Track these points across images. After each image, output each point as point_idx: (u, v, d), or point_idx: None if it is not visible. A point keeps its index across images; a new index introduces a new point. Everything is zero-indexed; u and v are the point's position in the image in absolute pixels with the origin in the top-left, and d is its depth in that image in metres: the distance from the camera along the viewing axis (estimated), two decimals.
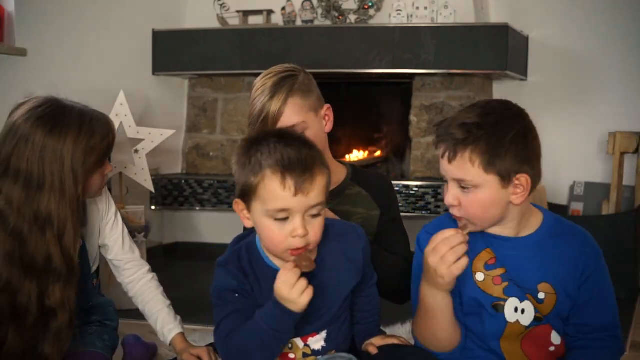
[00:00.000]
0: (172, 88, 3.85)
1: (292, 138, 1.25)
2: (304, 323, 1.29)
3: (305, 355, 1.33)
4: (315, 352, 1.33)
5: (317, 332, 1.33)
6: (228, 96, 3.86)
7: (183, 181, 3.65)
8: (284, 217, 1.20)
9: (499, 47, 3.18)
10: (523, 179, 1.26)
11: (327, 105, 1.68)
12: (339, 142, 4.02)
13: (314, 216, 1.22)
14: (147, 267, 1.74)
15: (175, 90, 3.88)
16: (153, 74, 3.66)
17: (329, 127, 1.66)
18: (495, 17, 3.58)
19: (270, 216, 1.21)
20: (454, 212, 1.31)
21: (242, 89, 3.83)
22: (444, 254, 1.19)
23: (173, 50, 3.62)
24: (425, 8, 3.41)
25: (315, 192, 1.20)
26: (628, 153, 3.20)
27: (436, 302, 1.27)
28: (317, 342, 1.33)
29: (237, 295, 1.28)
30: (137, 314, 1.83)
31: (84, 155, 1.46)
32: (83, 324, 1.64)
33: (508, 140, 1.24)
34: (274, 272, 1.24)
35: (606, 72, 3.46)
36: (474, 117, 1.27)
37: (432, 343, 1.35)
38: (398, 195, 3.35)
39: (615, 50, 3.43)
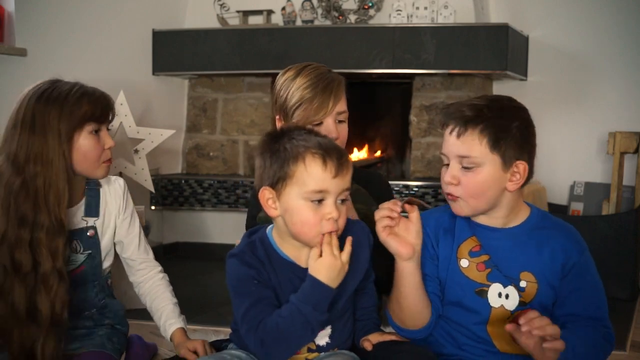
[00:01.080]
0: (172, 88, 3.85)
1: (316, 132, 1.32)
2: None
3: (310, 350, 1.34)
4: (319, 348, 1.34)
5: (323, 327, 1.34)
6: (228, 96, 3.86)
7: (183, 181, 3.65)
8: (320, 199, 1.25)
9: (499, 47, 3.19)
10: (521, 167, 1.32)
11: None
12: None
13: (343, 201, 1.28)
14: (160, 267, 1.76)
15: (175, 90, 3.88)
16: (153, 74, 3.66)
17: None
18: (495, 17, 3.59)
19: (307, 198, 1.25)
20: (450, 190, 1.34)
21: (242, 89, 3.83)
22: (379, 218, 1.32)
23: (173, 50, 3.62)
24: (425, 8, 3.42)
25: (349, 176, 1.28)
26: (628, 153, 3.20)
27: (399, 268, 1.34)
28: (322, 337, 1.34)
29: (257, 282, 1.28)
30: (137, 314, 1.83)
31: (69, 112, 1.52)
32: (95, 325, 1.65)
33: (514, 126, 1.31)
34: (288, 263, 1.29)
35: (606, 72, 3.46)
36: (484, 101, 1.34)
37: (399, 315, 1.39)
38: (398, 196, 3.36)
39: (615, 50, 3.43)
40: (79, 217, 1.60)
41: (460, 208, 1.35)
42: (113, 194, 1.67)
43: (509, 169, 1.31)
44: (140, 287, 1.73)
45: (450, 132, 1.33)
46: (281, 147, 1.27)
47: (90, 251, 1.60)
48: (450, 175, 1.33)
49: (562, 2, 3.53)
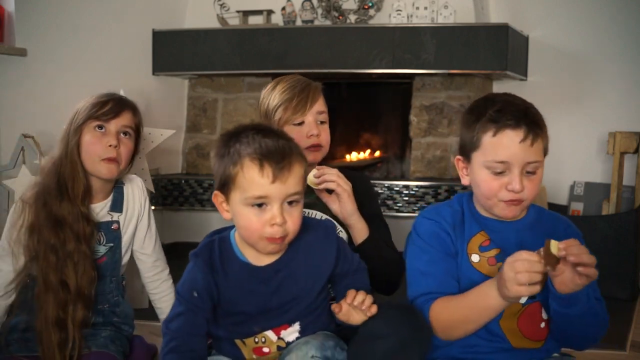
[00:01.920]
0: (172, 88, 3.85)
1: (269, 130, 1.30)
2: (275, 314, 1.32)
3: (280, 348, 1.34)
4: (290, 345, 1.33)
5: (290, 324, 1.34)
6: (228, 96, 3.86)
7: (183, 181, 3.65)
8: (261, 204, 1.23)
9: (499, 47, 3.19)
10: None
11: None
12: (339, 142, 4.02)
13: (292, 205, 1.26)
14: (168, 269, 1.88)
15: (175, 90, 3.88)
16: (153, 74, 3.66)
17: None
18: (495, 17, 3.59)
19: (248, 204, 1.24)
20: (519, 196, 1.32)
21: (242, 89, 3.84)
22: (520, 272, 1.18)
23: (173, 50, 3.63)
24: (425, 8, 3.42)
25: (293, 180, 1.24)
26: (628, 153, 3.21)
27: (493, 303, 1.26)
28: (290, 334, 1.34)
29: (196, 295, 1.30)
30: (137, 314, 1.84)
31: (84, 110, 1.68)
32: (103, 323, 1.70)
33: (545, 129, 1.34)
34: (243, 264, 1.31)
35: (606, 72, 3.46)
36: (520, 100, 1.36)
37: (455, 334, 1.34)
38: (398, 196, 3.36)
39: (615, 50, 3.43)
40: (105, 212, 1.72)
41: (517, 211, 1.36)
42: (136, 191, 1.80)
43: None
44: (150, 283, 1.84)
45: (522, 140, 1.29)
46: (228, 150, 1.26)
47: (112, 244, 1.72)
48: (519, 183, 1.30)
49: (562, 2, 3.53)
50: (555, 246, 1.18)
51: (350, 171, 1.77)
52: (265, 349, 1.34)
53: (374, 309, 1.29)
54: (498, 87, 3.64)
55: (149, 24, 3.63)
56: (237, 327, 1.35)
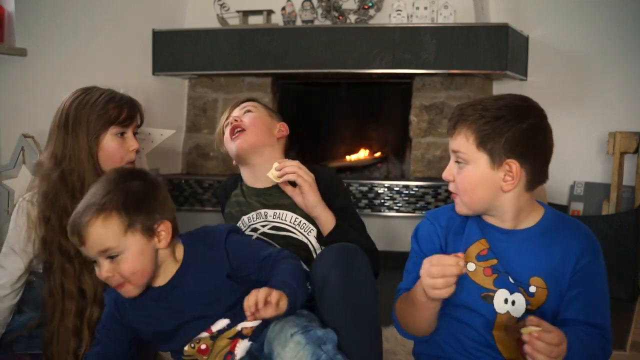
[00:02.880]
0: (172, 88, 3.85)
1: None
2: (194, 325, 1.43)
3: (213, 337, 1.44)
4: (221, 331, 1.44)
5: (214, 322, 1.44)
6: (228, 96, 3.86)
7: (183, 181, 3.65)
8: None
9: (499, 47, 3.19)
10: (514, 166, 1.30)
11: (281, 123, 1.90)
12: (339, 142, 4.02)
13: (108, 256, 1.35)
14: None
15: (175, 90, 3.88)
16: (153, 74, 3.66)
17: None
18: (495, 17, 3.58)
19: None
20: (450, 187, 1.38)
21: (242, 89, 3.83)
22: (436, 278, 1.22)
23: (173, 50, 3.62)
24: (425, 8, 3.42)
25: (91, 242, 1.33)
26: (628, 153, 3.20)
27: (426, 303, 1.30)
28: (220, 325, 1.44)
29: (102, 328, 1.49)
30: None
31: (96, 115, 1.69)
32: None
33: (512, 126, 1.30)
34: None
35: (606, 72, 3.46)
36: (489, 100, 1.35)
37: (411, 328, 1.40)
38: (398, 196, 3.36)
39: (615, 50, 3.43)
40: None
41: (459, 206, 1.37)
42: None
43: (499, 168, 1.30)
44: None
45: (447, 132, 1.37)
46: None
47: None
48: (447, 171, 1.37)
49: (562, 2, 3.53)
50: (527, 331, 1.18)
51: (315, 166, 1.78)
52: (203, 346, 1.44)
53: (270, 308, 1.31)
54: (498, 87, 3.64)
55: (149, 24, 3.63)
56: (169, 344, 1.47)
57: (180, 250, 1.46)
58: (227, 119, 1.85)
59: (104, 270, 1.33)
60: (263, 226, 1.76)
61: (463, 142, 1.32)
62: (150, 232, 1.37)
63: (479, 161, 1.31)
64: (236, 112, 1.85)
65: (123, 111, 1.72)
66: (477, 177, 1.32)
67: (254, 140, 1.78)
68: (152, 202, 1.39)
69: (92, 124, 1.68)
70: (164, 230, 1.39)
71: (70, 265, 1.63)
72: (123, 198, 1.34)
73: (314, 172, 1.72)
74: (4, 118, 2.75)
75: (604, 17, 3.44)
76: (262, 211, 1.77)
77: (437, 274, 1.21)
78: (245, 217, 1.80)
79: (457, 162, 1.35)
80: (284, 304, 1.32)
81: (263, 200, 1.79)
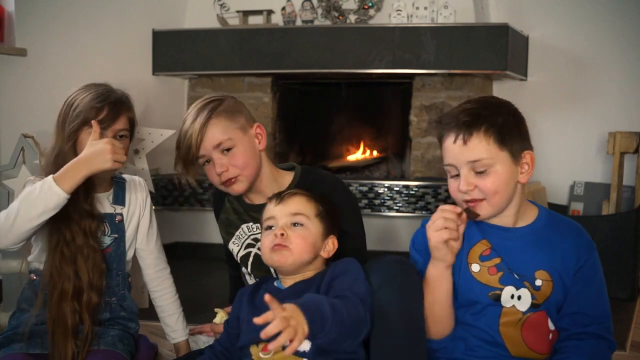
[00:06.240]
0: (172, 88, 3.85)
1: None
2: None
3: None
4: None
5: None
6: None
7: (183, 181, 3.64)
8: None
9: (499, 47, 3.19)
10: (528, 156, 1.35)
11: (257, 124, 1.76)
12: (339, 142, 4.02)
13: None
14: (169, 269, 1.91)
15: (175, 90, 3.88)
16: (153, 74, 3.66)
17: (262, 144, 1.74)
18: (495, 17, 3.58)
19: None
20: (473, 195, 1.34)
21: (242, 89, 3.83)
22: (435, 220, 1.31)
23: (173, 50, 3.62)
24: (425, 8, 3.42)
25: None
26: (628, 153, 3.20)
27: (437, 272, 1.34)
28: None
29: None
30: (139, 314, 1.85)
31: (77, 112, 1.69)
32: (110, 318, 1.73)
33: (510, 120, 1.34)
34: None
35: (606, 72, 3.46)
36: (474, 104, 1.37)
37: (428, 323, 1.38)
38: (398, 196, 3.35)
39: (615, 50, 3.43)
40: (108, 204, 1.77)
41: (485, 209, 1.35)
42: (137, 187, 1.86)
43: (518, 162, 1.34)
44: (152, 282, 1.88)
45: (455, 141, 1.33)
46: None
47: (116, 235, 1.76)
48: (465, 183, 1.33)
49: (562, 2, 3.53)
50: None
51: (322, 177, 1.72)
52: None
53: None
54: (498, 87, 3.64)
55: (149, 24, 3.63)
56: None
57: None
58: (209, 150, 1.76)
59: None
60: None
61: (484, 147, 1.31)
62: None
63: (503, 159, 1.32)
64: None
65: (101, 112, 1.68)
66: (505, 177, 1.33)
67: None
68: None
69: (73, 121, 1.68)
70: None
71: (66, 249, 1.64)
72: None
73: (323, 182, 1.67)
74: (4, 118, 2.75)
75: (604, 17, 3.44)
76: None
77: (436, 216, 1.32)
78: (244, 226, 1.78)
79: (476, 171, 1.32)
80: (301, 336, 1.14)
81: (259, 216, 1.65)
